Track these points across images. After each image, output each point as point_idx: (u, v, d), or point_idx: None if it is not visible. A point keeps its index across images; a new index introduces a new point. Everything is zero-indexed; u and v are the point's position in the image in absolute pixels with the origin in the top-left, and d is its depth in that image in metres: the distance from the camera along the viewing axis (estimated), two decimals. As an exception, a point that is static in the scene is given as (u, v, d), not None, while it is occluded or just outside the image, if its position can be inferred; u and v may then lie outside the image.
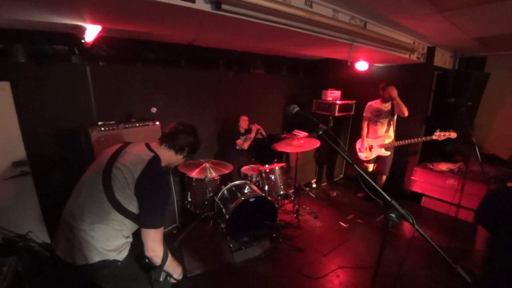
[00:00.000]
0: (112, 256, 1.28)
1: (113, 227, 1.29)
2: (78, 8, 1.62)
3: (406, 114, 3.37)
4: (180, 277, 1.52)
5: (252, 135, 3.68)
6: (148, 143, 1.51)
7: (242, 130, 3.77)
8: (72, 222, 1.27)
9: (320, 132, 1.13)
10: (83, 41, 2.13)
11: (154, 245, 1.32)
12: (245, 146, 3.68)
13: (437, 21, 2.44)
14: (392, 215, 1.06)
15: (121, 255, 1.33)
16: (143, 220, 1.30)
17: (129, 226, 1.36)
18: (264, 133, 3.84)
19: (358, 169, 1.07)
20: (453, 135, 3.08)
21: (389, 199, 1.07)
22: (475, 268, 1.88)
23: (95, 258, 1.25)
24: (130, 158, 1.37)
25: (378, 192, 1.09)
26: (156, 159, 1.41)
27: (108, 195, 1.27)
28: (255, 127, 3.72)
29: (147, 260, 1.37)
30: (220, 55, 3.84)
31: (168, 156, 1.50)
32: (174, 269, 1.47)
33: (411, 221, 1.03)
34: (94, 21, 1.98)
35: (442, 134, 3.12)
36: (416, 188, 3.95)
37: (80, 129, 2.58)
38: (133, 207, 1.31)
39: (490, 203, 1.70)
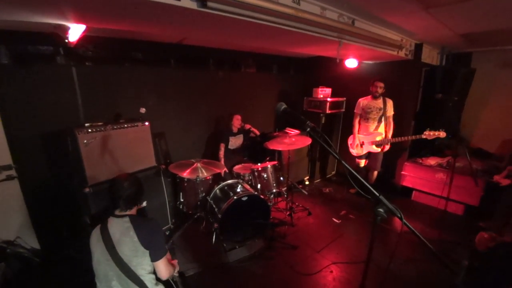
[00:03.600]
0: None
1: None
2: (59, 6, 1.58)
3: None
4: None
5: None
6: (116, 217, 1.53)
7: (235, 130, 3.75)
8: None
9: (308, 129, 1.13)
10: (66, 41, 2.08)
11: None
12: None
13: (422, 18, 2.48)
14: (381, 210, 1.07)
15: None
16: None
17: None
18: (256, 131, 3.83)
19: (345, 164, 1.07)
20: (442, 134, 3.09)
21: (377, 194, 1.08)
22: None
23: None
24: (119, 234, 1.44)
25: (369, 188, 1.09)
26: (132, 216, 1.54)
27: (127, 271, 1.38)
28: (248, 127, 3.72)
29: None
30: (210, 54, 3.80)
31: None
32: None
33: (399, 215, 1.05)
34: (78, 20, 1.94)
35: (431, 134, 3.15)
36: (407, 182, 4.01)
37: (66, 131, 2.52)
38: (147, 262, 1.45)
39: None
